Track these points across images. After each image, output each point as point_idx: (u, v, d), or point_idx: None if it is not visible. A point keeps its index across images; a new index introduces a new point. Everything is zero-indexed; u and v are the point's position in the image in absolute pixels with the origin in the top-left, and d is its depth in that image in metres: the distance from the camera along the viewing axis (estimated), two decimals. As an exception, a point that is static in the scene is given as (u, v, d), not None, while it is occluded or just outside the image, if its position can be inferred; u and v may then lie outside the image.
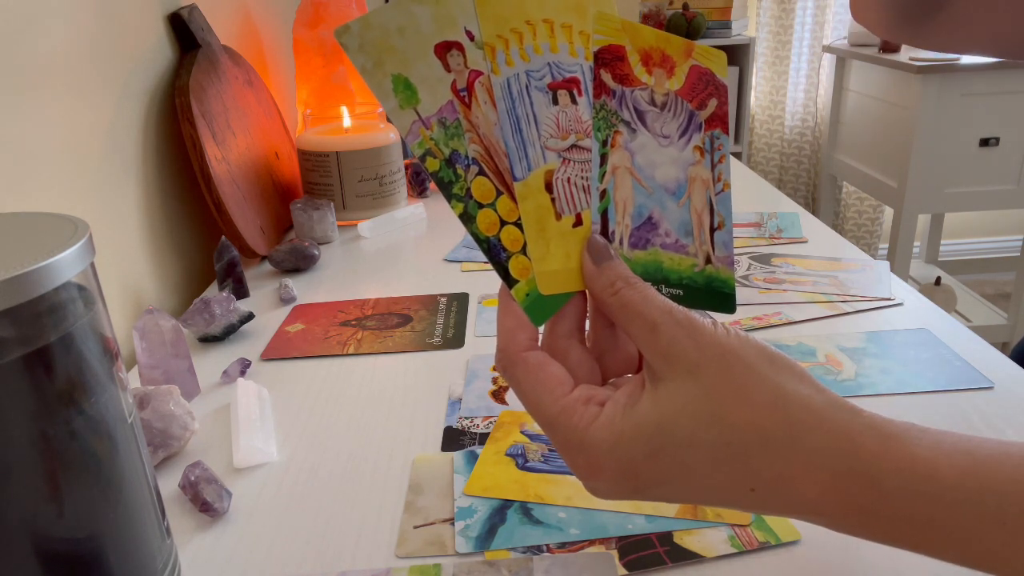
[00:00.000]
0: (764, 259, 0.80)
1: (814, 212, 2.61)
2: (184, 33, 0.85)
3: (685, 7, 2.40)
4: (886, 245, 2.73)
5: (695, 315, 0.31)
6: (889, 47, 2.04)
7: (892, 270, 0.77)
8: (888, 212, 2.67)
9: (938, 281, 2.27)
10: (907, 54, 1.97)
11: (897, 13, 0.71)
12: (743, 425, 0.29)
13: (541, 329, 0.34)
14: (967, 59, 1.84)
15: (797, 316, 0.67)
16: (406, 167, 1.10)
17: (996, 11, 0.65)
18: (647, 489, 0.31)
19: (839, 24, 2.53)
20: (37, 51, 0.59)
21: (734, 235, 0.87)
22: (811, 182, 2.68)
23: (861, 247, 2.65)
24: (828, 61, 2.52)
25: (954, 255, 2.84)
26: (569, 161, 0.34)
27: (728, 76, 0.37)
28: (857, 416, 0.30)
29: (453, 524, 0.43)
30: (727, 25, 2.45)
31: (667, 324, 0.31)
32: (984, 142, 1.89)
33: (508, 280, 0.33)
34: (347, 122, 1.03)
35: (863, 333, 0.64)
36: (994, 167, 1.91)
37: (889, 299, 0.70)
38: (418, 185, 1.11)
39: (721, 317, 0.65)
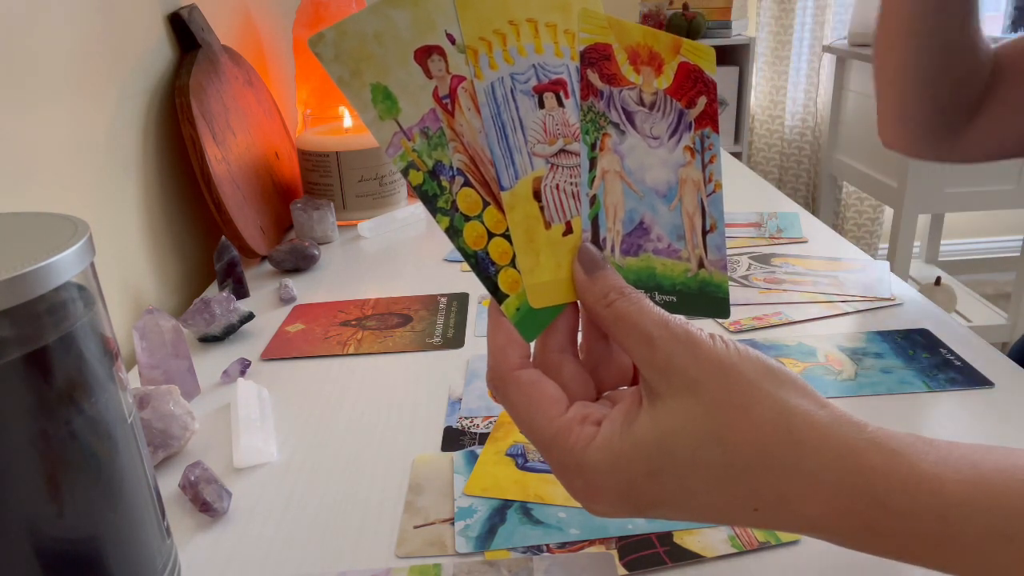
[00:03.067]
0: (764, 259, 0.80)
1: (814, 212, 2.61)
2: (184, 33, 0.85)
3: (685, 7, 2.40)
4: (886, 245, 2.73)
5: (693, 328, 0.30)
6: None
7: (892, 270, 0.77)
8: (888, 212, 2.67)
9: (938, 281, 2.27)
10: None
11: (926, 134, 0.71)
12: (745, 443, 0.28)
13: (533, 345, 0.33)
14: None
15: (797, 316, 0.67)
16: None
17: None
18: (648, 509, 0.31)
19: (839, 24, 2.53)
20: (37, 51, 0.59)
21: (735, 235, 0.87)
22: (811, 182, 2.68)
23: (861, 247, 2.64)
24: (828, 61, 2.52)
25: (954, 255, 2.84)
26: (557, 167, 0.33)
27: (718, 73, 0.36)
28: (861, 431, 0.29)
29: (453, 524, 0.43)
30: (727, 25, 2.45)
31: (664, 338, 0.30)
32: (984, 142, 1.89)
33: (497, 295, 0.32)
34: (347, 122, 1.03)
35: (863, 333, 0.64)
36: (994, 167, 1.91)
37: (889, 299, 0.70)
38: (418, 185, 1.11)
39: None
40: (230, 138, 0.85)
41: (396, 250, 0.90)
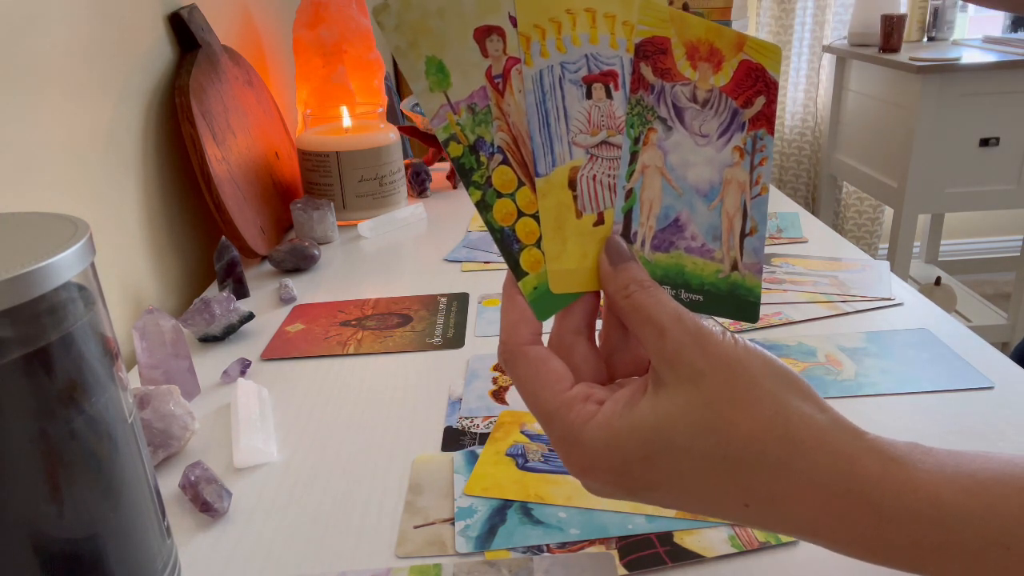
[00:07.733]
0: (764, 259, 0.80)
1: (814, 212, 2.61)
2: (184, 33, 0.85)
3: (685, 7, 2.40)
4: (886, 245, 2.73)
5: (705, 323, 0.30)
6: (889, 47, 2.04)
7: (892, 270, 0.77)
8: (888, 212, 2.67)
9: (938, 281, 2.27)
10: (907, 54, 1.96)
11: None
12: (740, 438, 0.29)
13: (547, 326, 0.33)
14: (967, 59, 1.84)
15: (797, 316, 0.67)
16: (406, 167, 1.10)
17: None
18: (640, 492, 0.31)
19: (839, 24, 2.53)
20: (37, 51, 0.59)
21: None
22: (811, 182, 2.68)
23: (861, 247, 2.64)
24: (828, 61, 2.52)
25: (954, 255, 2.84)
26: (596, 158, 0.33)
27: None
28: (859, 438, 0.29)
29: (453, 524, 0.43)
30: (727, 25, 2.45)
31: (675, 330, 0.30)
32: (984, 142, 1.89)
33: (517, 272, 0.33)
34: (347, 122, 1.03)
35: (863, 333, 0.64)
36: (994, 167, 1.91)
37: (889, 299, 0.70)
38: (418, 185, 1.11)
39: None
40: (230, 138, 0.85)
41: (396, 250, 0.90)
